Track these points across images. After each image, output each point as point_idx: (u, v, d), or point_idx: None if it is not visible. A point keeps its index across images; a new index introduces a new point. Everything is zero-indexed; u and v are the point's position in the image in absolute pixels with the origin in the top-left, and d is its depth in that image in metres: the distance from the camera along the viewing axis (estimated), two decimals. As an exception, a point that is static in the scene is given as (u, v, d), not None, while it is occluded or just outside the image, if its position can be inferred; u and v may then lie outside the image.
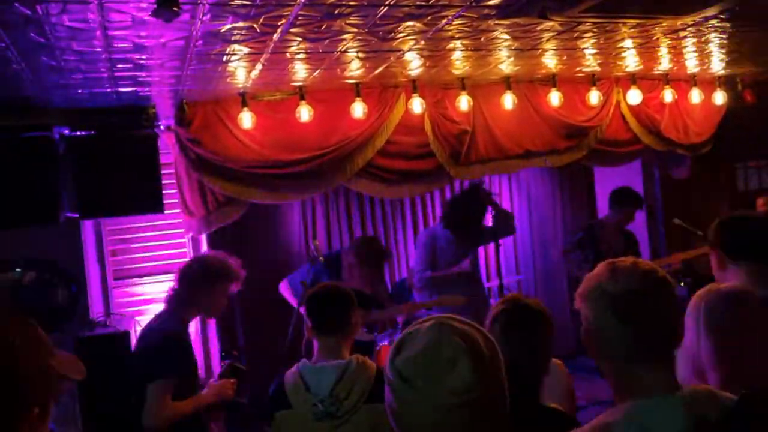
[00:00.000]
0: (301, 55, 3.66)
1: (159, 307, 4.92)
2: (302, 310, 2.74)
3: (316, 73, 4.17)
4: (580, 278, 5.81)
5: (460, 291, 4.78)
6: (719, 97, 5.96)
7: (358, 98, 4.66)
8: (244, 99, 4.47)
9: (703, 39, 4.27)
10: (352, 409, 2.42)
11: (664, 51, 4.63)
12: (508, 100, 5.10)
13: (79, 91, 3.88)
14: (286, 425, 2.50)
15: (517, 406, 1.38)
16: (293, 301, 4.98)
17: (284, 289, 5.05)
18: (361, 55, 3.78)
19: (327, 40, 3.37)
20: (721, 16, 3.61)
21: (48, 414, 1.33)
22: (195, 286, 3.14)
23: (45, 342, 1.34)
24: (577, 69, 5.08)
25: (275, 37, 3.18)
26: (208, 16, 2.74)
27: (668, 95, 5.66)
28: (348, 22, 3.06)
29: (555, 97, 5.22)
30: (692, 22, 3.71)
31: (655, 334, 1.46)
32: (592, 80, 5.36)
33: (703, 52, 4.77)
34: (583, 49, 4.29)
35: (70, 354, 2.35)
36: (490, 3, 2.98)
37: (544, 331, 2.21)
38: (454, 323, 1.30)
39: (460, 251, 4.95)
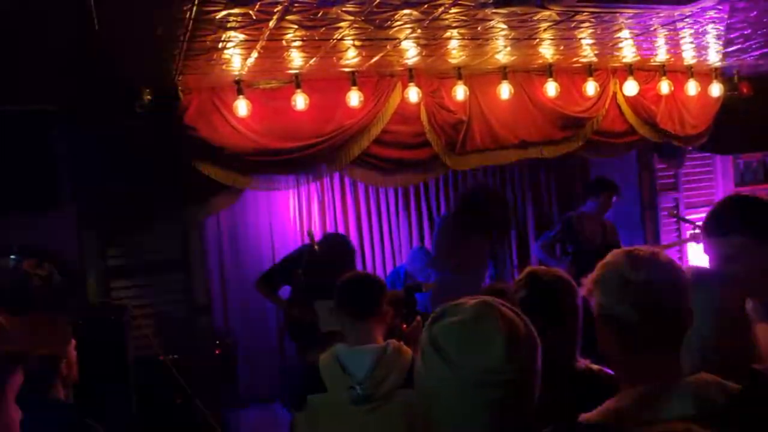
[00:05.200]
0: (297, 43, 3.64)
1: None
2: None
3: (312, 62, 4.15)
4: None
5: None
6: (716, 89, 5.94)
7: (354, 87, 4.63)
8: (240, 87, 4.45)
9: (700, 30, 4.26)
10: (388, 393, 2.42)
11: (661, 42, 4.62)
12: (505, 90, 5.08)
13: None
14: (321, 409, 2.48)
15: (550, 372, 1.38)
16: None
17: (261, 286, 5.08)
18: (357, 43, 3.77)
19: (323, 28, 3.36)
20: (719, 7, 3.60)
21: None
22: None
23: None
24: (574, 59, 5.06)
25: (271, 24, 3.16)
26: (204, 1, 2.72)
27: (665, 87, 5.63)
28: (344, 9, 3.04)
29: (551, 88, 5.19)
30: (690, 13, 3.71)
31: (669, 324, 1.49)
32: (589, 71, 5.33)
33: (700, 44, 4.76)
34: (580, 39, 4.28)
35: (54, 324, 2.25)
36: (487, -9, 2.97)
37: (564, 303, 2.20)
38: (500, 305, 1.30)
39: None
